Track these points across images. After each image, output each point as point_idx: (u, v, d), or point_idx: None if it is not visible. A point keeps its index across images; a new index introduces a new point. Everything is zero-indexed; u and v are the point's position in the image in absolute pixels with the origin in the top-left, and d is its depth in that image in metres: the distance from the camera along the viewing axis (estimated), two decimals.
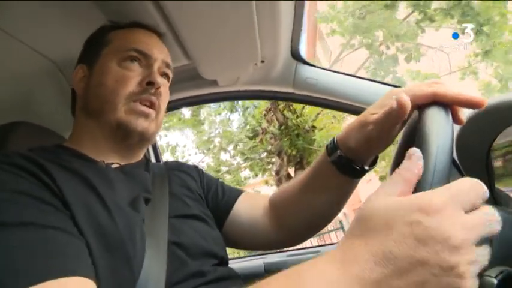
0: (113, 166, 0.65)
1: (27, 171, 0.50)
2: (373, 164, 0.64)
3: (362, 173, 0.63)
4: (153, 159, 1.38)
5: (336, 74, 1.12)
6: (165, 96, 0.73)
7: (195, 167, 0.85)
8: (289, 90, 1.17)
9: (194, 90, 1.20)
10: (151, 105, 0.68)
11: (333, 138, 0.64)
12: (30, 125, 0.80)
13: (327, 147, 0.65)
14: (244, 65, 1.05)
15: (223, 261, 0.69)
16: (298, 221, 0.74)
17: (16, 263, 0.39)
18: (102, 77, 0.67)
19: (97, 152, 0.66)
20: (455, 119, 0.44)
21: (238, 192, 0.81)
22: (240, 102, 7.40)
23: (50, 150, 0.63)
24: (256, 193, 0.83)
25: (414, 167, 0.35)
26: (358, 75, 1.11)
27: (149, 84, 0.67)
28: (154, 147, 1.39)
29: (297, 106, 6.48)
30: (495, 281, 0.34)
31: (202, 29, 0.83)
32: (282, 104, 6.63)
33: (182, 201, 0.70)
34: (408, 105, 0.47)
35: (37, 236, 0.43)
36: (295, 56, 1.11)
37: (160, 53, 0.73)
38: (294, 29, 0.99)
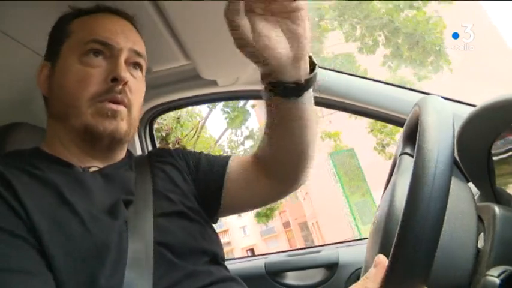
0: (92, 169, 0.63)
1: None
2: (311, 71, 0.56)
3: (298, 90, 0.56)
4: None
5: (337, 74, 1.12)
6: (137, 90, 0.66)
7: (178, 154, 0.77)
8: None
9: (193, 90, 1.20)
10: (120, 103, 0.62)
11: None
12: (30, 126, 0.80)
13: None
14: (243, 65, 1.04)
15: (216, 257, 0.66)
16: (280, 160, 0.70)
17: None
18: (63, 78, 0.63)
19: (71, 155, 0.63)
20: None
21: (227, 158, 0.77)
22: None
23: (25, 155, 0.61)
24: (244, 156, 0.79)
25: (379, 276, 0.36)
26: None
27: (114, 80, 0.61)
28: (153, 140, 1.37)
29: (188, 143, 6.45)
30: (498, 281, 0.34)
31: (201, 28, 0.83)
32: (172, 141, 6.62)
33: (167, 198, 0.66)
34: None
35: None
36: None
37: (126, 41, 0.65)
38: None
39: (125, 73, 0.62)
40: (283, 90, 0.55)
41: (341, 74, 1.12)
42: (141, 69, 0.70)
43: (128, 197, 0.61)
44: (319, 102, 1.16)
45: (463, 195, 0.51)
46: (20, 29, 0.75)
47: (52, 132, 0.66)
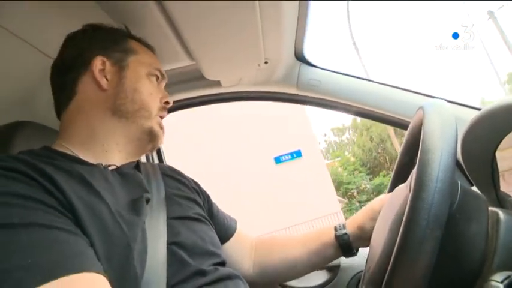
0: (110, 168, 0.65)
1: (26, 175, 0.49)
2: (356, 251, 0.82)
3: (353, 255, 0.82)
4: (156, 162, 1.38)
5: (339, 75, 1.12)
6: None
7: (192, 180, 0.86)
8: (293, 91, 1.16)
9: (197, 90, 1.20)
10: None
11: (344, 224, 0.82)
12: (35, 125, 0.80)
13: (335, 228, 0.82)
14: (247, 66, 1.04)
15: (222, 260, 0.70)
16: (282, 271, 0.86)
17: (28, 261, 0.39)
18: (138, 85, 0.71)
19: (94, 152, 0.65)
20: None
21: (235, 225, 0.90)
22: None
23: (41, 153, 0.61)
24: (243, 231, 0.93)
25: None
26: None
27: (166, 103, 0.76)
28: (158, 150, 1.39)
29: None
30: (501, 287, 0.34)
31: (205, 29, 0.83)
32: None
33: (178, 204, 0.71)
34: None
35: (45, 235, 0.43)
36: (299, 57, 1.11)
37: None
38: (297, 30, 0.98)
39: None
40: (350, 253, 0.82)
41: (345, 75, 1.11)
42: None
43: (147, 195, 0.64)
44: (323, 103, 1.17)
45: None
46: (23, 26, 0.75)
47: (97, 127, 0.67)
